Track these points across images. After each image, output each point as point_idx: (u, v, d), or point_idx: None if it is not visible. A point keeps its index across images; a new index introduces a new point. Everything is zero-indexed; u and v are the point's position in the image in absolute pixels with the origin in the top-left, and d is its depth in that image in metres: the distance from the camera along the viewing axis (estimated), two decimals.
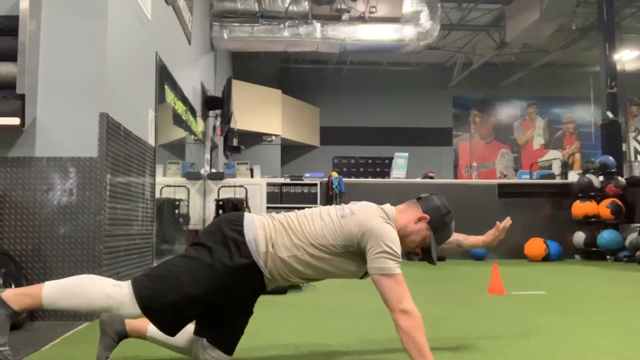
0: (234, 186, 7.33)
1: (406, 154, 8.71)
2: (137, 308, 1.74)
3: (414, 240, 1.99)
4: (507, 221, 2.34)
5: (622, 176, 8.25)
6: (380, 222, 1.86)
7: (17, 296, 1.75)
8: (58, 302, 1.76)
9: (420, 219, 1.98)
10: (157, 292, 1.76)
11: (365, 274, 1.97)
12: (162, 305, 1.75)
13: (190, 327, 1.95)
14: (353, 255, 1.89)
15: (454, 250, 2.40)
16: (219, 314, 1.91)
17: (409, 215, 1.99)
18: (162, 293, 1.76)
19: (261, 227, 1.89)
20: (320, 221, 1.91)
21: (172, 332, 1.84)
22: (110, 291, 1.75)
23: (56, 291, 1.76)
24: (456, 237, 2.28)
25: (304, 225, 1.91)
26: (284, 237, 1.88)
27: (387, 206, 1.99)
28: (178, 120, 5.43)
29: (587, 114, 16.66)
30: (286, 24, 8.72)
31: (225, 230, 1.86)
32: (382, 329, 2.61)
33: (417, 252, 2.07)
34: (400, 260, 1.84)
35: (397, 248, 1.82)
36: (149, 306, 1.75)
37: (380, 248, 1.79)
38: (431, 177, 8.53)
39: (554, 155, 14.75)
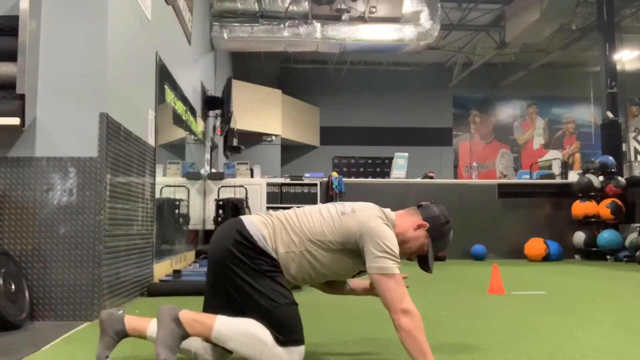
0: (234, 186, 7.33)
1: (406, 154, 8.71)
2: None
3: (411, 247, 1.99)
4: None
5: (622, 176, 8.24)
6: (379, 222, 1.87)
7: (192, 322, 1.78)
8: (226, 342, 1.78)
9: (419, 226, 1.98)
10: (291, 328, 1.83)
11: (358, 273, 1.98)
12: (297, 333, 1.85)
13: None
14: (350, 253, 1.89)
15: (346, 293, 2.25)
16: (229, 309, 1.90)
17: (409, 221, 2.00)
18: (292, 326, 1.83)
19: (263, 225, 1.90)
20: (320, 217, 1.92)
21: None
22: (275, 352, 1.77)
23: (227, 330, 1.78)
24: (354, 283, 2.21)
25: (303, 221, 1.92)
26: (283, 234, 1.89)
27: (387, 211, 2.00)
28: (178, 120, 5.42)
29: (587, 114, 16.66)
30: (286, 24, 8.71)
31: (240, 241, 1.85)
32: (382, 329, 2.61)
33: (412, 258, 2.06)
34: (399, 260, 1.84)
35: (396, 249, 1.83)
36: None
37: (380, 248, 1.80)
38: (431, 177, 8.52)
39: (554, 155, 14.77)
